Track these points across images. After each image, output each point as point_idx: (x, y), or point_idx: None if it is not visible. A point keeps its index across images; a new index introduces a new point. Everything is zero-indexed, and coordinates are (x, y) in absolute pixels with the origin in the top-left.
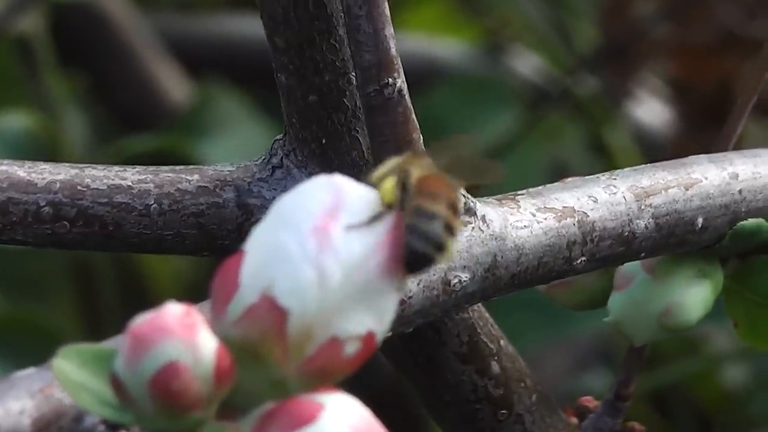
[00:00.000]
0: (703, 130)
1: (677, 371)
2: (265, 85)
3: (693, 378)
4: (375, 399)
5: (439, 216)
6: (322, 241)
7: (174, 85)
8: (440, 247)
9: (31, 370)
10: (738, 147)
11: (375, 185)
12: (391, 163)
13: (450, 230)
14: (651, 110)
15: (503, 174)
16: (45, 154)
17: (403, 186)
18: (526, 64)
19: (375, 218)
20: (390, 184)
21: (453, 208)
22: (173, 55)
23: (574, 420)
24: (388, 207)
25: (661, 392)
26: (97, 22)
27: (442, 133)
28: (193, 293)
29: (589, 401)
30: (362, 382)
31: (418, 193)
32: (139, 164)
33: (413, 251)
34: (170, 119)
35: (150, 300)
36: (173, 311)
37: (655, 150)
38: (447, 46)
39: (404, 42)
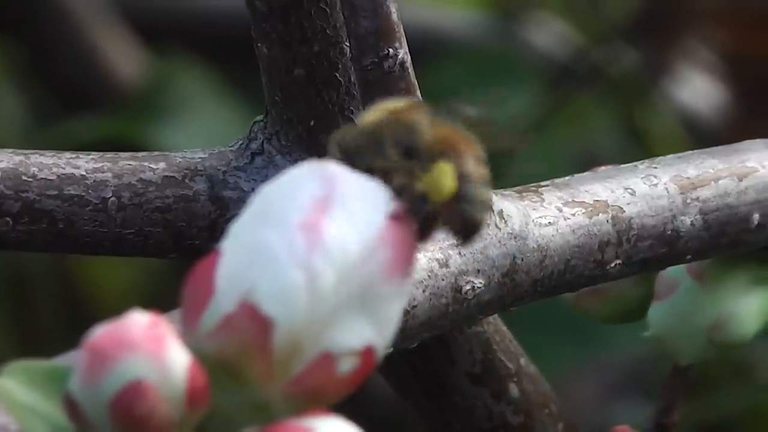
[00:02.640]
0: (763, 112)
1: (726, 402)
2: (236, 61)
3: (745, 410)
4: (372, 428)
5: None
6: (312, 238)
7: (127, 59)
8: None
9: None
10: None
11: (366, 135)
12: (383, 107)
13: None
14: (698, 90)
15: (529, 143)
16: None
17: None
18: (547, 35)
19: (376, 210)
20: (447, 171)
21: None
22: (127, 24)
23: None
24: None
25: (708, 426)
26: None
27: None
28: (148, 301)
29: (626, 431)
30: (357, 408)
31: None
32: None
33: (470, 219)
34: (122, 100)
35: (95, 319)
36: (138, 322)
37: (703, 138)
38: (452, 14)
39: (403, 10)
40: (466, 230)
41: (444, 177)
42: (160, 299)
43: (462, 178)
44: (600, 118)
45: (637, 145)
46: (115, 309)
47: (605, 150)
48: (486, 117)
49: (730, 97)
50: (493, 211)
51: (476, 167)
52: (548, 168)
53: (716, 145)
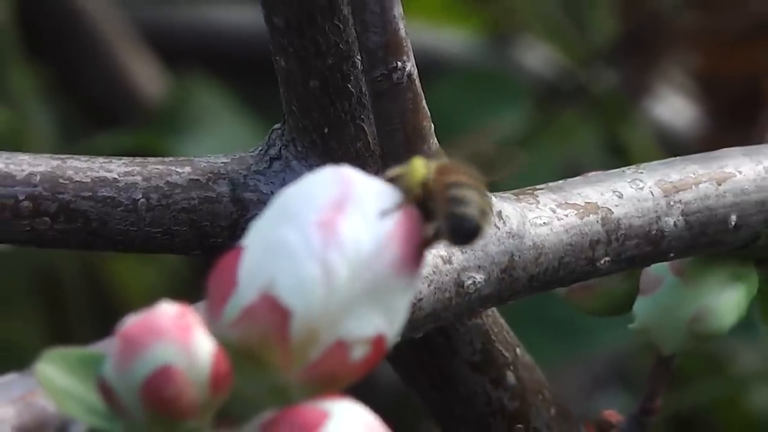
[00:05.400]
0: (734, 128)
1: (701, 393)
2: (249, 80)
3: (718, 401)
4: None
5: (473, 200)
6: (328, 235)
7: (149, 78)
8: (483, 215)
9: (12, 376)
10: None
11: (391, 182)
12: (407, 164)
13: (484, 214)
14: (674, 108)
15: (522, 163)
16: (10, 150)
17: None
18: (536, 56)
19: (386, 211)
20: (420, 161)
21: (482, 195)
22: (149, 46)
23: None
24: (418, 185)
25: (684, 416)
26: (67, 11)
27: (444, 132)
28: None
29: (613, 415)
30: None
31: (448, 181)
32: None
33: (461, 216)
34: (145, 115)
35: (120, 314)
36: (167, 311)
37: (679, 151)
38: (449, 37)
39: None
40: (459, 229)
41: (416, 164)
42: (182, 297)
43: (453, 184)
44: (584, 133)
45: (618, 159)
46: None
47: (589, 162)
48: (484, 148)
49: (703, 114)
50: (492, 212)
51: (469, 179)
52: (536, 179)
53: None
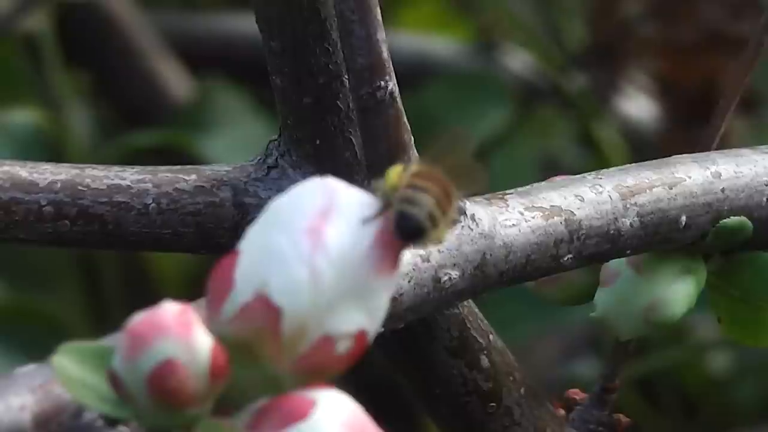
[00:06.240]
0: (689, 126)
1: (665, 359)
2: (264, 83)
3: (680, 366)
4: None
5: (423, 203)
6: (315, 241)
7: (176, 82)
8: (431, 219)
9: (31, 367)
10: (723, 144)
11: (377, 193)
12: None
13: (432, 219)
14: (639, 106)
15: (486, 180)
16: (50, 150)
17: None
18: (518, 61)
19: (367, 219)
20: (396, 172)
21: (445, 199)
22: (175, 53)
23: (562, 412)
24: (393, 190)
25: (649, 380)
26: (102, 20)
27: (436, 128)
28: (196, 283)
29: (577, 393)
30: (357, 375)
31: (408, 183)
32: (142, 159)
33: (404, 215)
34: (172, 115)
35: (154, 290)
36: (170, 310)
37: (643, 144)
38: (440, 44)
39: (398, 39)
40: (399, 224)
41: (392, 173)
42: (205, 277)
43: (410, 185)
44: (560, 129)
45: (590, 153)
46: (170, 285)
47: (563, 156)
48: (457, 159)
49: (663, 112)
50: (466, 215)
51: (429, 183)
52: (515, 172)
53: (653, 150)
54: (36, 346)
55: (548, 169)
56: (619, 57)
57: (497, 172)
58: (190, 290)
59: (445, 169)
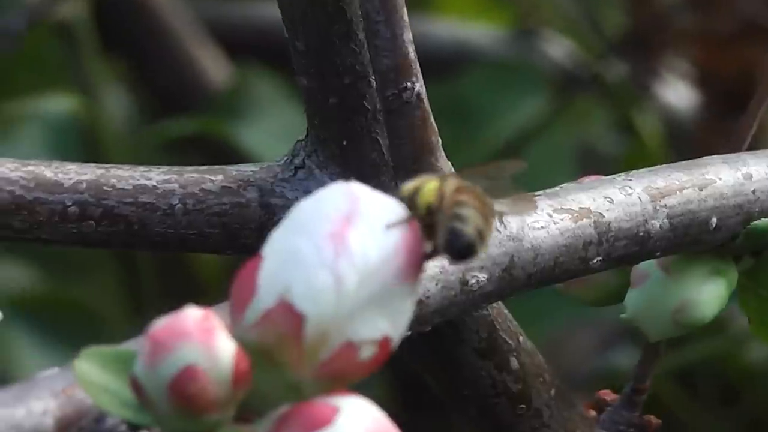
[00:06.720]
0: (726, 116)
1: (704, 350)
2: None
3: (719, 356)
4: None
5: (473, 220)
6: (339, 246)
7: (213, 68)
8: (480, 234)
9: (54, 370)
10: (757, 137)
11: (404, 199)
12: (421, 180)
13: (481, 236)
14: (678, 94)
15: (533, 204)
16: (85, 137)
17: (441, 191)
18: (557, 48)
19: (392, 224)
20: (433, 184)
21: (486, 217)
22: (212, 39)
23: (593, 413)
24: (428, 207)
25: (688, 370)
26: (139, 6)
27: (474, 116)
28: (233, 273)
29: (607, 394)
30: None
31: (453, 199)
32: (179, 146)
33: (456, 232)
34: (209, 102)
35: (191, 280)
36: (192, 315)
37: (681, 131)
38: (479, 31)
39: (437, 26)
40: (452, 245)
41: (428, 186)
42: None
43: (456, 203)
44: (598, 117)
45: (627, 138)
46: (206, 274)
47: (601, 144)
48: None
49: (701, 102)
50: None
51: (474, 200)
52: (553, 160)
53: (689, 140)
54: (73, 336)
55: (585, 157)
56: (657, 46)
57: (534, 161)
58: (227, 281)
59: (480, 180)
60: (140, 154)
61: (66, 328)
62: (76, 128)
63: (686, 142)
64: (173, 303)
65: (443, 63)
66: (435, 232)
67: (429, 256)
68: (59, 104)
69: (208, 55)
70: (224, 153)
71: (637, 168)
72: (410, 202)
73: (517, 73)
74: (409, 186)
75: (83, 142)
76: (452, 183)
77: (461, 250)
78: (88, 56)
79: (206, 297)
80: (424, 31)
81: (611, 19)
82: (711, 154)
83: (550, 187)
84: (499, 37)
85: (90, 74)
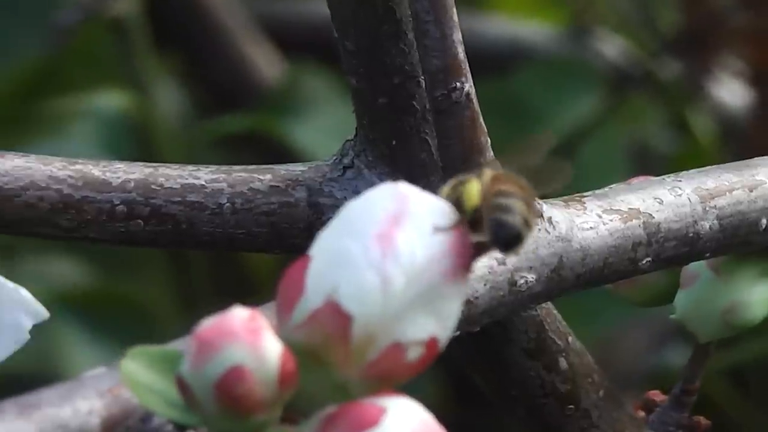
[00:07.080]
0: None
1: (756, 349)
2: None
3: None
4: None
5: (514, 207)
6: (386, 247)
7: (266, 65)
8: (526, 223)
9: (100, 370)
10: None
11: (449, 198)
12: (458, 179)
13: (527, 224)
14: (731, 91)
15: (570, 175)
16: (138, 133)
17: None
18: (610, 46)
19: (439, 227)
20: (476, 186)
21: (528, 205)
22: (265, 35)
23: (642, 414)
24: (473, 209)
25: (740, 369)
26: (192, 2)
27: (527, 114)
28: (284, 268)
29: (656, 395)
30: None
31: (495, 189)
32: (231, 143)
33: (501, 223)
34: (262, 99)
35: (243, 277)
36: (238, 315)
37: (735, 130)
38: (533, 29)
39: (491, 24)
40: (499, 235)
41: (471, 189)
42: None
43: (498, 193)
44: (651, 115)
45: (681, 137)
46: (259, 269)
47: (654, 143)
48: (538, 160)
49: (754, 100)
50: (543, 218)
51: (516, 188)
52: (607, 158)
53: (743, 139)
54: (123, 332)
55: (639, 155)
56: (711, 45)
57: (587, 159)
58: (278, 277)
59: (520, 170)
60: (192, 150)
61: (116, 324)
62: (129, 124)
63: (740, 141)
64: (225, 301)
65: (497, 60)
66: (481, 226)
67: (478, 251)
68: (112, 100)
69: (261, 52)
70: (277, 150)
71: (688, 166)
72: (456, 202)
73: (571, 71)
74: (448, 187)
75: (135, 139)
76: (488, 174)
77: (509, 240)
78: (140, 52)
79: (258, 295)
80: (478, 29)
81: (665, 17)
82: (765, 152)
83: (603, 185)
84: (553, 34)
85: (143, 70)
